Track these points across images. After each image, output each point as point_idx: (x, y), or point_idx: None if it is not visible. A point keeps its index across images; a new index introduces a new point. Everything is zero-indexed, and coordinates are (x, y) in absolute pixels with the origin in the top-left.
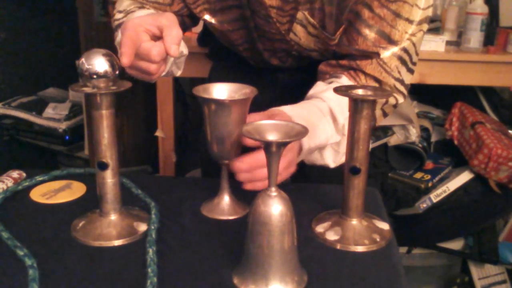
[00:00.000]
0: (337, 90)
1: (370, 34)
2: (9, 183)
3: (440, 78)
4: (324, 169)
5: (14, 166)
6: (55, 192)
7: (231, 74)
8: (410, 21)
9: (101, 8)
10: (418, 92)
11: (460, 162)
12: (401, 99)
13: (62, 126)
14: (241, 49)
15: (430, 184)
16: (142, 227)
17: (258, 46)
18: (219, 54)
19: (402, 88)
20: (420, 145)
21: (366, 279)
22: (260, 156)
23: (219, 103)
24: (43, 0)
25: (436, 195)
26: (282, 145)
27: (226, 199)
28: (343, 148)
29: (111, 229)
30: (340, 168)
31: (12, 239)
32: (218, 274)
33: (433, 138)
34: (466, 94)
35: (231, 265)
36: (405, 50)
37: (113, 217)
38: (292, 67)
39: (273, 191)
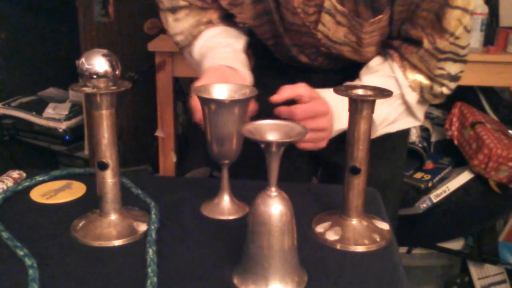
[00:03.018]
0: (337, 90)
1: (426, 18)
2: (9, 183)
3: None
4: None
5: (14, 166)
6: (55, 192)
7: (265, 73)
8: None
9: (101, 8)
10: None
11: (460, 162)
12: (446, 91)
13: (62, 126)
14: (269, 43)
15: (430, 184)
16: (142, 227)
17: (285, 41)
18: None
19: (445, 81)
20: (420, 145)
21: (366, 279)
22: (312, 105)
23: (219, 103)
24: (43, 0)
25: (436, 195)
26: (282, 145)
27: (226, 199)
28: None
29: (111, 229)
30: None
31: (12, 239)
32: (218, 274)
33: (433, 138)
34: (466, 94)
35: (231, 265)
36: (450, 47)
37: (113, 217)
38: (324, 67)
39: (273, 191)
